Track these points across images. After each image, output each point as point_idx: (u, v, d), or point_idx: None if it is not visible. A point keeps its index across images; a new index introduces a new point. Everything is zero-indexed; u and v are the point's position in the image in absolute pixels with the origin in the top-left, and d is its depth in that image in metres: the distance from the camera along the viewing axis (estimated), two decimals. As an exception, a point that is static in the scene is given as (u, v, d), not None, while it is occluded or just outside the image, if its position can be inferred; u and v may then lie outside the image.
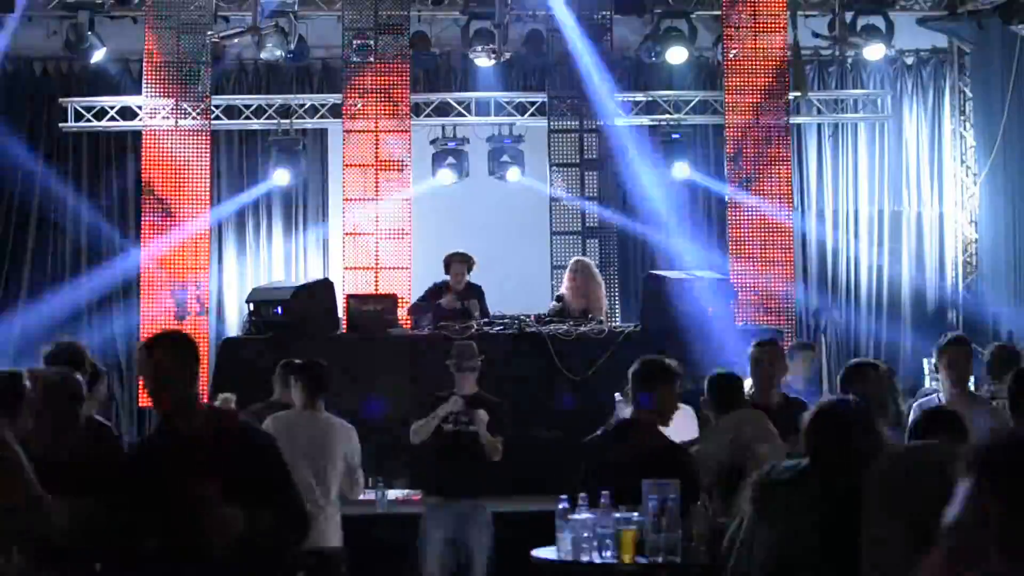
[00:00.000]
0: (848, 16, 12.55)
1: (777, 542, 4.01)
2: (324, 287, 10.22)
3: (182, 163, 12.52)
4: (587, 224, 12.60)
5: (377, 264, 12.38)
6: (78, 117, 13.02)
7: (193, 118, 12.57)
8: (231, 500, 3.94)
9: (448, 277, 10.15)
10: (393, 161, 12.47)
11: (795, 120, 13.29)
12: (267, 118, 13.23)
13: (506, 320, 9.80)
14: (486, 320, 9.82)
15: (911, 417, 6.08)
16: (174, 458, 4.10)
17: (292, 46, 12.54)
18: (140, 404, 12.55)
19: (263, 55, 12.55)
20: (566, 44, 12.48)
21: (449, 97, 13.31)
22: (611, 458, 5.58)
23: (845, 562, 3.64)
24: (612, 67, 12.79)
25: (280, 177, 12.84)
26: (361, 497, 7.68)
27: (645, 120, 13.41)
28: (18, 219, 13.46)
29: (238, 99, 13.34)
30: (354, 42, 12.51)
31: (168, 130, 12.55)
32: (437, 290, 10.17)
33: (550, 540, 5.55)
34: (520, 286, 11.61)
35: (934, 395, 7.06)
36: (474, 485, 7.28)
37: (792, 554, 3.95)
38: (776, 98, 12.74)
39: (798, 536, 3.94)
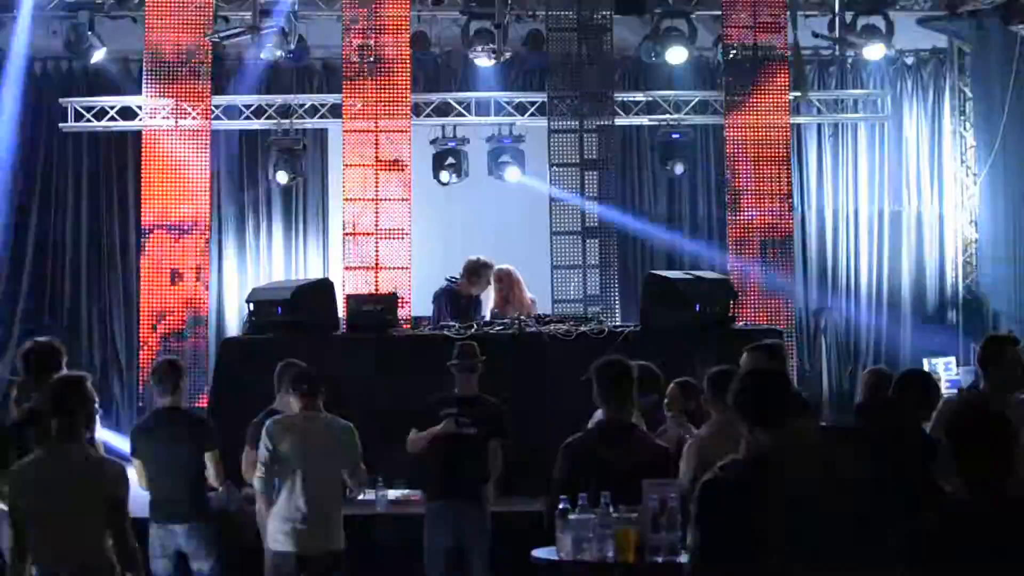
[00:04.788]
0: (848, 16, 12.54)
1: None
2: (324, 287, 10.21)
3: (182, 163, 12.52)
4: (587, 224, 12.59)
5: (377, 264, 12.38)
6: (78, 117, 13.02)
7: (193, 118, 12.57)
8: None
9: (458, 280, 10.17)
10: (393, 161, 12.47)
11: (795, 120, 13.29)
12: (267, 118, 13.23)
13: (506, 320, 9.80)
14: (486, 320, 9.83)
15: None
16: None
17: (292, 46, 12.53)
18: (140, 404, 12.55)
19: (263, 55, 12.55)
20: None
21: (449, 97, 13.31)
22: (604, 460, 5.55)
23: None
24: (612, 67, 12.82)
25: (281, 178, 12.85)
26: (361, 497, 7.69)
27: (645, 120, 13.42)
28: (18, 218, 13.47)
29: (238, 99, 13.34)
30: (354, 42, 12.51)
31: (168, 130, 12.54)
32: (453, 294, 10.18)
33: (550, 540, 5.54)
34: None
35: None
36: (473, 487, 7.25)
37: None
38: (776, 98, 12.74)
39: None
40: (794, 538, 3.71)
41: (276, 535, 6.44)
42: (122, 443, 7.97)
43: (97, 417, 5.52)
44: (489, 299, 10.37)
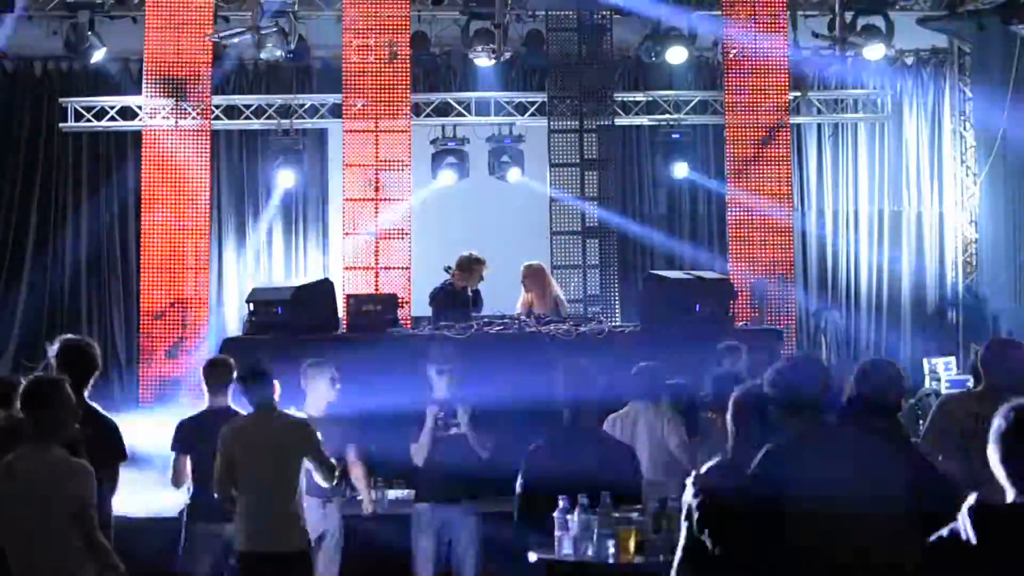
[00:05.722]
0: (848, 16, 12.55)
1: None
2: (324, 287, 10.21)
3: (182, 163, 12.52)
4: (587, 224, 12.60)
5: (377, 264, 12.39)
6: (78, 117, 13.02)
7: (193, 118, 12.57)
8: None
9: (450, 277, 10.17)
10: (393, 161, 12.47)
11: (795, 120, 13.29)
12: (267, 118, 13.23)
13: (506, 320, 9.80)
14: (486, 320, 9.82)
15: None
16: None
17: (292, 46, 12.54)
18: (140, 402, 12.55)
19: (263, 55, 12.55)
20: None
21: (449, 97, 13.32)
22: (569, 462, 5.55)
23: None
24: (612, 67, 12.82)
25: (282, 178, 12.84)
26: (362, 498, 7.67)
27: (645, 120, 13.42)
28: (18, 218, 13.47)
29: (238, 99, 13.34)
30: (353, 42, 12.51)
31: (168, 130, 12.54)
32: (449, 291, 10.18)
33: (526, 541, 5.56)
34: (519, 286, 11.59)
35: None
36: (460, 488, 7.23)
37: None
38: (776, 98, 12.74)
39: None
40: (795, 540, 3.69)
41: (238, 536, 6.39)
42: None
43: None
44: (518, 300, 10.38)
